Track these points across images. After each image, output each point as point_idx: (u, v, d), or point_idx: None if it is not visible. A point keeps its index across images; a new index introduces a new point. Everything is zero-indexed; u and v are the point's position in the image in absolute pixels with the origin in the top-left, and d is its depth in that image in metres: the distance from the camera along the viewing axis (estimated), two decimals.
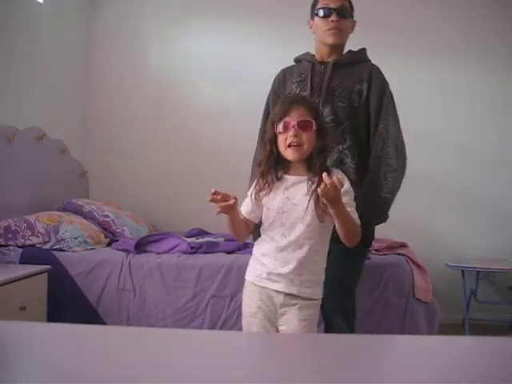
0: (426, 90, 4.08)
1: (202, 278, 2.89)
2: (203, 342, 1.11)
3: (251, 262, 1.90)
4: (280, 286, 1.79)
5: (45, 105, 3.74)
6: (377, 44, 4.03)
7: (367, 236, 2.07)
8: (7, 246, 3.05)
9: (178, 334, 1.29)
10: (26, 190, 3.45)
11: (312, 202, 1.76)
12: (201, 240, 3.28)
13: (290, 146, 1.79)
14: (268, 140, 1.85)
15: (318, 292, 1.83)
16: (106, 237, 3.47)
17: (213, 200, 1.72)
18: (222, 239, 3.34)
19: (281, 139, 1.81)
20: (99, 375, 0.89)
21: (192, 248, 3.05)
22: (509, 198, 4.02)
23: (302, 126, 1.79)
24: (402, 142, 2.23)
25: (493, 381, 0.88)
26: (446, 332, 3.19)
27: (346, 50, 2.28)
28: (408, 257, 3.00)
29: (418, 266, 3.00)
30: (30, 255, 3.02)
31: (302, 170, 1.83)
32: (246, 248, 3.14)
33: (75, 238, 3.17)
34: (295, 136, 1.77)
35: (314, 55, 2.28)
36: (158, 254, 3.05)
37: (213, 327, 2.85)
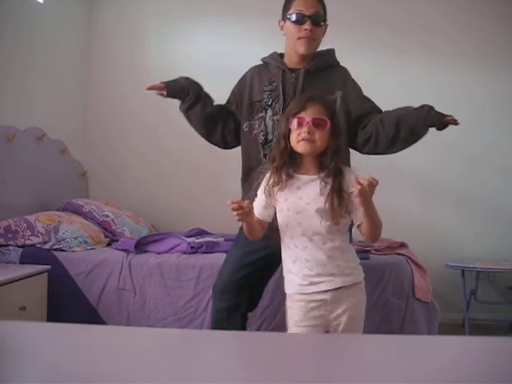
0: (431, 89, 4.08)
1: (202, 278, 2.88)
2: (203, 342, 1.11)
3: (285, 274, 1.88)
4: (323, 286, 1.78)
5: (45, 105, 3.74)
6: (380, 44, 4.07)
7: None
8: (7, 245, 3.05)
9: (178, 334, 1.29)
10: (26, 189, 3.45)
11: (326, 202, 1.75)
12: (201, 240, 3.27)
13: (302, 140, 1.77)
14: (282, 135, 1.83)
15: (358, 274, 1.85)
16: (105, 237, 3.47)
17: (234, 209, 1.70)
18: (222, 239, 3.34)
19: (294, 134, 1.79)
20: (99, 375, 0.89)
21: (192, 248, 3.05)
22: (509, 198, 4.02)
23: (317, 123, 1.77)
24: None
25: (493, 381, 0.88)
26: (446, 332, 3.18)
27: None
28: (408, 257, 3.00)
29: (418, 266, 3.00)
30: (30, 255, 3.02)
31: (312, 168, 1.82)
32: None
33: (75, 238, 3.17)
34: (308, 133, 1.76)
35: (282, 56, 2.21)
36: (158, 254, 3.05)
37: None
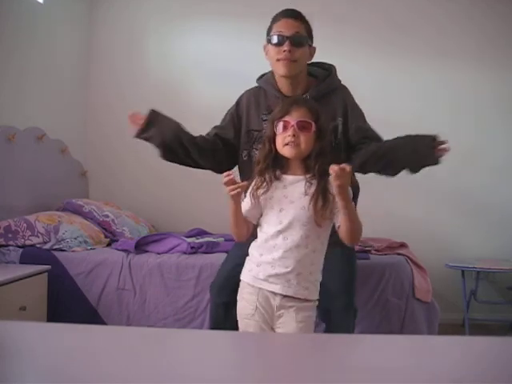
0: (430, 91, 4.08)
1: (202, 278, 2.88)
2: (203, 342, 1.11)
3: (247, 261, 1.89)
4: (277, 288, 1.78)
5: (45, 105, 3.74)
6: (382, 43, 4.07)
7: None
8: (7, 246, 3.05)
9: (177, 334, 1.29)
10: (26, 189, 3.45)
11: (311, 203, 1.76)
12: (201, 240, 3.28)
13: (287, 144, 1.79)
14: (267, 139, 1.85)
15: (314, 293, 1.82)
16: (105, 237, 3.47)
17: (226, 182, 1.72)
18: (222, 239, 3.34)
19: (279, 138, 1.81)
20: (99, 375, 0.89)
21: (192, 248, 3.05)
22: (509, 199, 4.02)
23: (301, 126, 1.78)
24: None
25: (493, 381, 0.88)
26: (446, 332, 3.18)
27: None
28: (408, 257, 3.00)
29: (418, 266, 3.00)
30: (30, 255, 3.02)
31: (299, 170, 1.83)
32: None
33: (75, 238, 3.17)
34: (293, 136, 1.77)
35: (276, 83, 2.14)
36: (158, 254, 3.05)
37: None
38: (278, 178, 1.83)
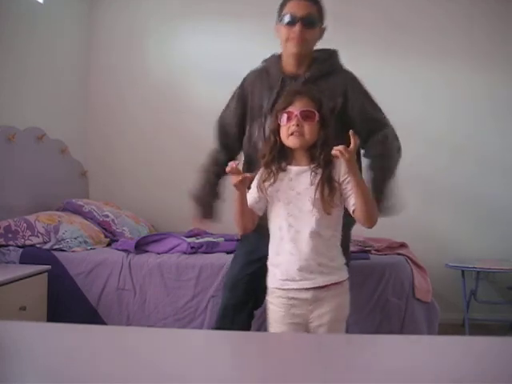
0: (425, 90, 4.08)
1: (202, 278, 2.88)
2: (203, 342, 1.11)
3: (269, 267, 1.87)
4: (304, 284, 1.77)
5: (45, 105, 3.74)
6: (380, 42, 4.07)
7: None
8: (7, 245, 3.05)
9: (178, 334, 1.29)
10: (26, 190, 3.45)
11: (317, 192, 1.76)
12: (201, 240, 3.28)
13: (292, 134, 1.79)
14: (271, 131, 1.85)
15: (342, 274, 1.82)
16: (105, 237, 3.47)
17: (230, 169, 1.73)
18: (222, 239, 3.34)
19: (284, 129, 1.81)
20: (99, 375, 0.88)
21: (192, 248, 3.05)
22: (509, 198, 4.01)
23: (305, 116, 1.79)
24: (400, 146, 2.20)
25: (493, 381, 0.88)
26: (446, 332, 3.18)
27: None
28: (408, 257, 3.00)
29: (418, 266, 3.00)
30: (30, 255, 3.02)
31: (304, 160, 1.83)
32: None
33: (75, 238, 3.17)
34: (297, 126, 1.77)
35: (280, 56, 2.17)
36: (158, 254, 3.05)
37: (213, 327, 2.84)
38: (283, 170, 1.83)
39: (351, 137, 1.69)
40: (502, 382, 0.89)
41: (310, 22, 2.07)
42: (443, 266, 3.70)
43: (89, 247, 3.21)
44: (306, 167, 1.81)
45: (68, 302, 2.95)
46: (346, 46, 4.06)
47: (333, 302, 1.78)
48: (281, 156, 1.83)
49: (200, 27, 4.21)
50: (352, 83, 2.14)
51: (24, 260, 2.99)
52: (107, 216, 3.60)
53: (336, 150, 1.67)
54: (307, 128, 1.78)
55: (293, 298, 1.79)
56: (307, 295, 1.78)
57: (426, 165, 3.95)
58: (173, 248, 3.08)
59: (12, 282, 2.61)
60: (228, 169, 1.74)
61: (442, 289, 3.56)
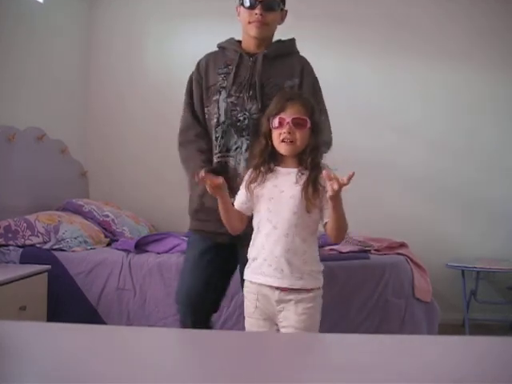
0: (427, 91, 4.08)
1: None
2: (203, 342, 1.11)
3: (248, 260, 1.89)
4: (271, 281, 1.78)
5: (45, 105, 3.74)
6: (376, 43, 4.08)
7: None
8: (7, 245, 3.05)
9: (178, 334, 1.29)
10: (26, 190, 3.45)
11: (300, 190, 1.78)
12: None
13: (283, 141, 1.81)
14: (263, 134, 1.87)
15: (311, 282, 1.81)
16: (105, 237, 3.47)
17: (199, 182, 1.75)
18: None
19: (275, 134, 1.83)
20: (99, 375, 0.88)
21: None
22: (509, 198, 4.02)
23: (297, 123, 1.80)
24: (331, 139, 2.15)
25: (493, 381, 0.88)
26: (446, 332, 3.18)
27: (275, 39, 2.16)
28: (408, 257, 3.00)
29: (418, 266, 3.00)
30: (30, 255, 3.02)
31: (292, 163, 1.86)
32: None
33: (75, 238, 3.17)
34: (289, 133, 1.79)
35: (240, 43, 2.17)
36: (158, 253, 3.05)
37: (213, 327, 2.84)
38: (272, 171, 1.85)
39: (336, 180, 1.64)
40: (502, 382, 0.88)
41: (270, 5, 2.06)
42: (443, 266, 3.70)
43: (89, 247, 3.21)
44: (293, 169, 1.84)
45: (68, 302, 2.95)
46: (346, 45, 4.12)
47: (298, 307, 1.77)
48: (270, 158, 1.86)
49: (199, 27, 4.21)
50: (307, 66, 2.15)
51: (24, 260, 2.99)
52: (107, 216, 3.60)
53: (327, 175, 1.64)
54: (299, 135, 1.80)
55: (262, 295, 1.81)
56: (273, 294, 1.79)
57: (426, 165, 3.95)
58: (173, 248, 3.08)
59: (12, 281, 2.61)
60: (198, 181, 1.75)
61: (442, 289, 3.57)
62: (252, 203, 1.87)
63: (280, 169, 1.85)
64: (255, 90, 2.04)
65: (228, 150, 2.07)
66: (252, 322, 1.84)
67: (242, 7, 2.10)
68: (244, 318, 1.92)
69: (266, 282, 1.79)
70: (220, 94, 2.09)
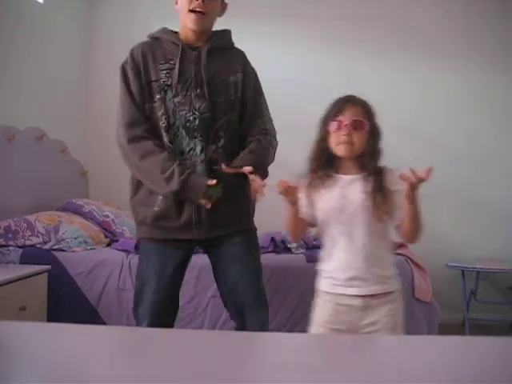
0: (425, 91, 4.08)
1: (202, 278, 2.88)
2: (203, 342, 1.11)
3: (320, 270, 1.86)
4: (354, 291, 1.75)
5: (45, 105, 3.74)
6: (376, 43, 4.08)
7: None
8: (7, 246, 3.05)
9: (178, 334, 1.29)
10: (26, 190, 3.45)
11: (368, 199, 1.75)
12: None
13: (341, 143, 1.77)
14: (320, 137, 1.83)
15: (393, 285, 1.80)
16: (105, 237, 3.47)
17: (282, 188, 1.72)
18: None
19: (333, 137, 1.79)
20: (99, 375, 0.88)
21: None
22: (509, 198, 4.02)
23: (355, 125, 1.77)
24: (275, 136, 2.13)
25: (493, 381, 0.88)
26: (446, 332, 3.18)
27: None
28: (408, 257, 3.00)
29: (418, 266, 3.00)
30: (30, 255, 3.02)
31: (353, 169, 1.82)
32: None
33: (75, 238, 3.17)
34: (347, 135, 1.76)
35: (176, 34, 2.05)
36: None
37: (213, 327, 2.84)
38: (331, 177, 1.81)
39: (412, 174, 1.63)
40: (502, 382, 0.88)
41: None
42: (443, 266, 3.70)
43: (89, 247, 3.21)
44: (357, 176, 1.80)
45: (68, 302, 2.95)
46: (346, 45, 4.12)
47: (382, 310, 1.76)
48: (328, 163, 1.82)
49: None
50: (247, 61, 2.10)
51: (24, 260, 2.99)
52: (107, 216, 3.60)
53: (405, 180, 1.62)
54: (357, 137, 1.77)
55: (341, 304, 1.77)
56: (357, 302, 1.76)
57: (425, 165, 3.94)
58: None
59: (12, 281, 2.61)
60: (280, 190, 1.71)
61: (442, 289, 3.57)
62: (312, 210, 1.83)
63: (342, 176, 1.81)
64: (202, 88, 1.95)
65: (182, 153, 1.98)
66: (323, 331, 1.78)
67: None
68: None
69: (346, 292, 1.77)
70: (166, 93, 1.96)
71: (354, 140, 1.77)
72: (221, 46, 2.04)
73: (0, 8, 3.32)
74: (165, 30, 2.09)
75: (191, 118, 1.95)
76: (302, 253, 3.12)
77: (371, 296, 1.76)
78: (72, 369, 0.92)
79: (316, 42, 3.98)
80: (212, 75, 1.97)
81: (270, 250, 3.17)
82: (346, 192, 1.79)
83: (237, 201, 2.01)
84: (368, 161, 1.79)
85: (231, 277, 2.07)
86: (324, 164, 1.81)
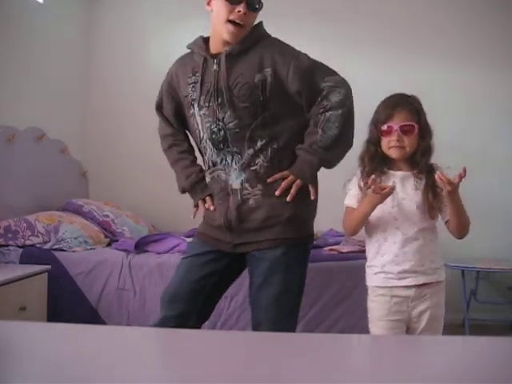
0: (426, 91, 4.08)
1: None
2: (204, 342, 1.11)
3: (368, 266, 1.92)
4: (408, 281, 1.83)
5: (45, 105, 3.74)
6: (389, 45, 4.07)
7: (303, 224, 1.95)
8: (7, 245, 3.06)
9: (178, 334, 1.29)
10: (26, 190, 3.45)
11: (421, 196, 1.84)
12: None
13: (392, 147, 1.85)
14: (371, 141, 1.89)
15: (442, 274, 1.91)
16: (105, 237, 3.47)
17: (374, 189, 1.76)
18: None
19: (384, 141, 1.87)
20: (99, 375, 0.88)
21: None
22: (509, 199, 4.01)
23: (405, 130, 1.84)
24: (340, 95, 1.87)
25: (493, 381, 0.88)
26: (446, 332, 3.18)
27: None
28: None
29: None
30: (30, 255, 3.02)
31: (405, 166, 1.90)
32: None
33: (75, 238, 3.17)
34: (398, 140, 1.83)
35: (207, 41, 1.95)
36: (158, 254, 3.05)
37: (213, 327, 2.84)
38: (384, 173, 1.88)
39: (443, 179, 1.75)
40: (502, 382, 0.88)
41: (255, 4, 1.83)
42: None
43: (89, 247, 3.21)
44: (409, 173, 1.88)
45: (68, 302, 2.95)
46: (346, 46, 4.11)
47: (433, 299, 1.85)
48: (381, 162, 1.89)
49: (200, 26, 4.20)
50: (278, 49, 1.87)
51: (24, 260, 3.00)
52: (107, 216, 3.60)
53: (439, 178, 1.73)
54: (407, 141, 1.85)
55: (395, 296, 1.85)
56: (410, 292, 1.84)
57: None
58: (173, 248, 3.08)
59: (12, 281, 2.61)
60: (372, 189, 1.74)
61: None
62: None
63: (396, 172, 1.89)
64: (223, 96, 1.84)
65: (214, 164, 1.96)
66: (384, 325, 1.86)
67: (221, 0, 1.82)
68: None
69: (400, 283, 1.84)
70: (193, 107, 1.94)
71: (405, 144, 1.84)
72: (243, 48, 1.85)
73: (0, 8, 3.32)
74: (197, 41, 2.00)
75: (215, 129, 1.89)
76: None
77: (423, 285, 1.84)
78: (72, 369, 0.92)
79: (316, 43, 3.98)
80: (234, 80, 1.83)
81: None
82: (398, 188, 1.85)
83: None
84: (419, 159, 1.87)
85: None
86: (377, 163, 1.88)
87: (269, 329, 1.84)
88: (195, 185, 2.08)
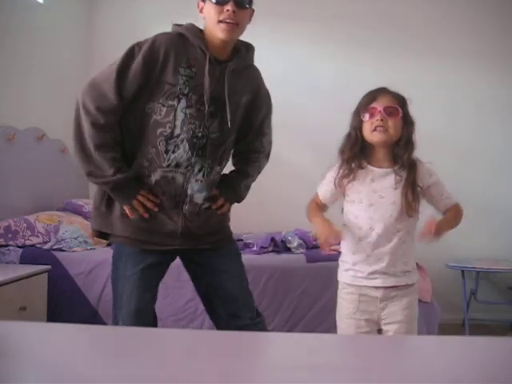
0: (430, 91, 4.08)
1: None
2: (203, 342, 1.11)
3: (341, 262, 1.91)
4: (377, 282, 1.81)
5: (45, 105, 3.74)
6: (381, 43, 4.08)
7: None
8: (7, 246, 3.05)
9: (178, 334, 1.29)
10: (25, 190, 3.45)
11: (400, 195, 1.79)
12: None
13: (375, 129, 1.78)
14: (353, 127, 1.84)
15: (413, 277, 1.86)
16: None
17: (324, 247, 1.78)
18: None
19: (367, 125, 1.80)
20: (99, 375, 0.88)
21: None
22: (509, 199, 4.01)
23: (389, 112, 1.79)
24: (269, 154, 2.11)
25: (493, 381, 0.88)
26: (446, 332, 3.18)
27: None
28: None
29: (418, 266, 2.99)
30: (30, 255, 3.02)
31: (386, 161, 1.83)
32: (246, 248, 3.14)
33: (75, 238, 3.17)
34: (381, 120, 1.77)
35: (203, 34, 1.90)
36: None
37: (213, 327, 2.84)
38: (363, 168, 1.83)
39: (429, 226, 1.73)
40: (502, 383, 0.88)
41: (242, 1, 1.82)
42: (443, 266, 3.69)
43: (89, 247, 3.21)
44: (389, 169, 1.82)
45: (68, 302, 2.94)
46: (346, 45, 4.12)
47: (403, 301, 1.82)
48: (361, 153, 1.83)
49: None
50: (261, 81, 2.00)
51: (24, 260, 2.99)
52: None
53: (423, 234, 1.72)
54: (391, 123, 1.78)
55: (364, 295, 1.82)
56: (378, 293, 1.81)
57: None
58: None
59: (12, 282, 2.61)
60: (325, 248, 1.77)
61: (441, 289, 3.56)
62: (336, 198, 1.90)
63: (375, 169, 1.82)
64: (216, 106, 1.83)
65: (178, 166, 1.84)
66: (351, 323, 1.84)
67: (208, 2, 1.83)
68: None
69: (369, 283, 1.81)
70: (179, 101, 1.82)
71: (389, 126, 1.78)
72: (242, 66, 1.91)
73: (0, 8, 3.32)
74: (193, 30, 1.92)
75: (200, 134, 1.83)
76: (302, 253, 3.12)
77: (392, 287, 1.81)
78: (72, 369, 0.92)
79: (315, 43, 3.98)
80: (232, 95, 1.85)
81: (270, 249, 3.17)
82: (377, 186, 1.81)
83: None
84: (402, 151, 1.80)
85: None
86: (357, 154, 1.82)
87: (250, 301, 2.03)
88: (130, 180, 1.89)
